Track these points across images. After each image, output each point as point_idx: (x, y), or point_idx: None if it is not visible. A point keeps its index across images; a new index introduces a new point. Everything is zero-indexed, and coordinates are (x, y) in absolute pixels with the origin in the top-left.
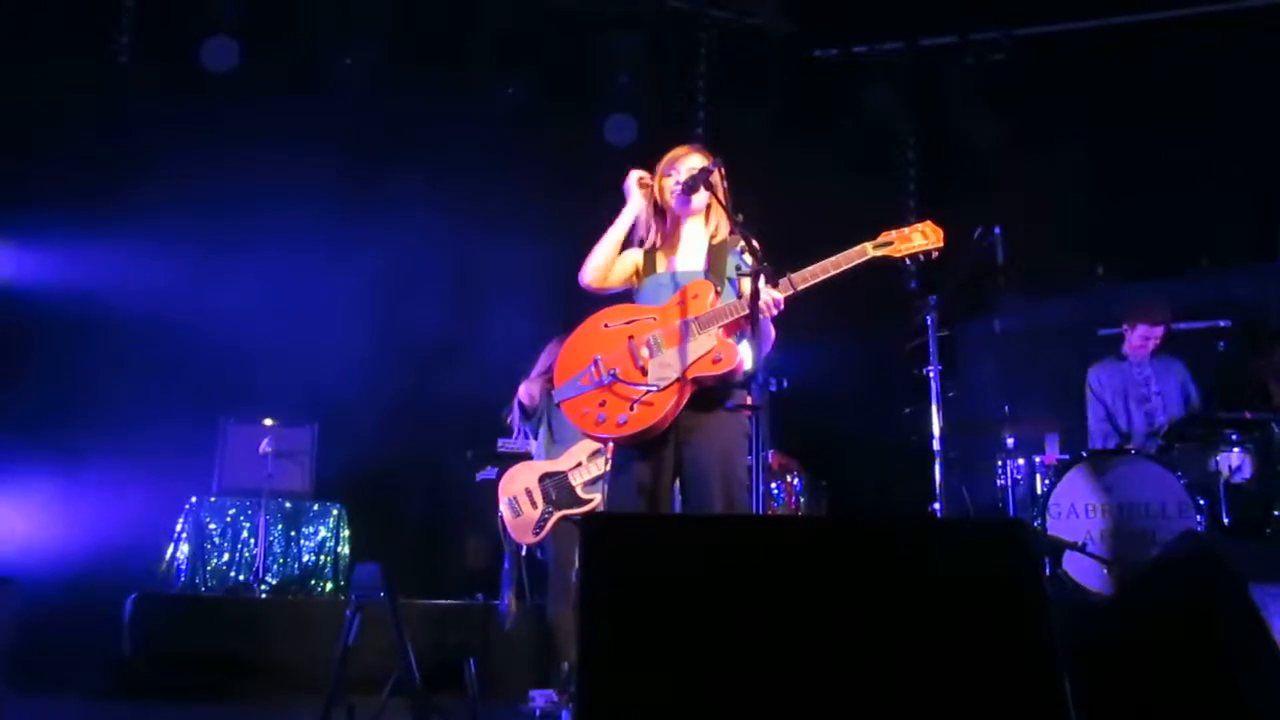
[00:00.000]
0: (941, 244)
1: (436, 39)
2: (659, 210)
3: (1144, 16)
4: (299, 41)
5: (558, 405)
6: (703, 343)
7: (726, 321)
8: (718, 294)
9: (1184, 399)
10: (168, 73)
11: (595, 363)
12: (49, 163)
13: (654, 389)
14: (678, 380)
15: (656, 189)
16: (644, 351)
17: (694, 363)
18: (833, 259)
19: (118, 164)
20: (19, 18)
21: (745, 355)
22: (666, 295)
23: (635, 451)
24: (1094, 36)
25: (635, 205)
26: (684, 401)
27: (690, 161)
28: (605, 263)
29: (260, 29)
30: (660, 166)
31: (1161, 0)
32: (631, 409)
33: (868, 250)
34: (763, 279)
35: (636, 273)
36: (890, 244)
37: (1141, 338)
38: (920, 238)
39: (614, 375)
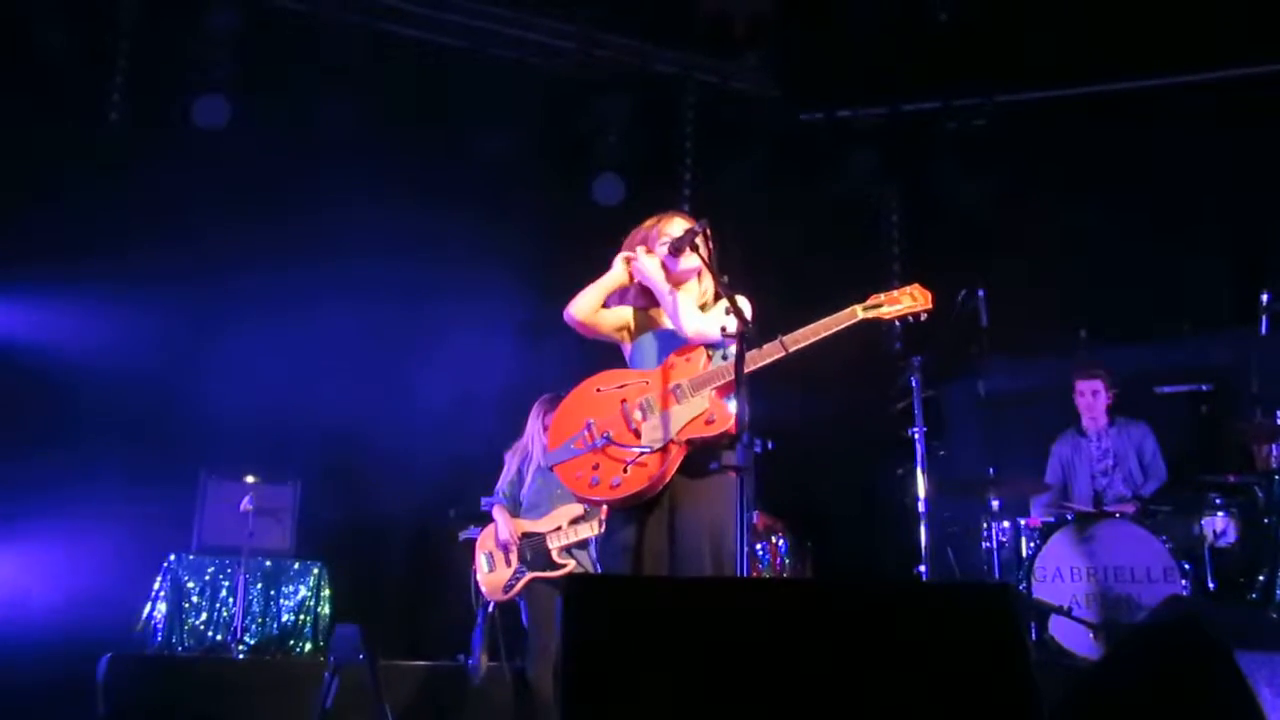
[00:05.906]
0: (930, 306)
1: (425, 99)
2: (644, 288)
3: (1125, 85)
4: (289, 100)
5: (550, 469)
6: (696, 404)
7: (719, 384)
8: (709, 357)
9: (1139, 463)
10: (158, 131)
11: (588, 426)
12: (33, 220)
13: (647, 450)
14: (671, 442)
15: (641, 257)
16: (637, 414)
17: (687, 424)
18: (823, 321)
19: (102, 222)
20: (8, 75)
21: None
22: (658, 359)
23: (628, 515)
24: (1075, 103)
25: (617, 272)
26: (677, 463)
27: (673, 226)
28: (592, 304)
29: (251, 88)
30: (645, 233)
31: (1142, 68)
32: (625, 471)
33: (857, 313)
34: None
35: (627, 329)
36: (879, 306)
37: (1079, 394)
38: (909, 300)
39: (607, 438)
